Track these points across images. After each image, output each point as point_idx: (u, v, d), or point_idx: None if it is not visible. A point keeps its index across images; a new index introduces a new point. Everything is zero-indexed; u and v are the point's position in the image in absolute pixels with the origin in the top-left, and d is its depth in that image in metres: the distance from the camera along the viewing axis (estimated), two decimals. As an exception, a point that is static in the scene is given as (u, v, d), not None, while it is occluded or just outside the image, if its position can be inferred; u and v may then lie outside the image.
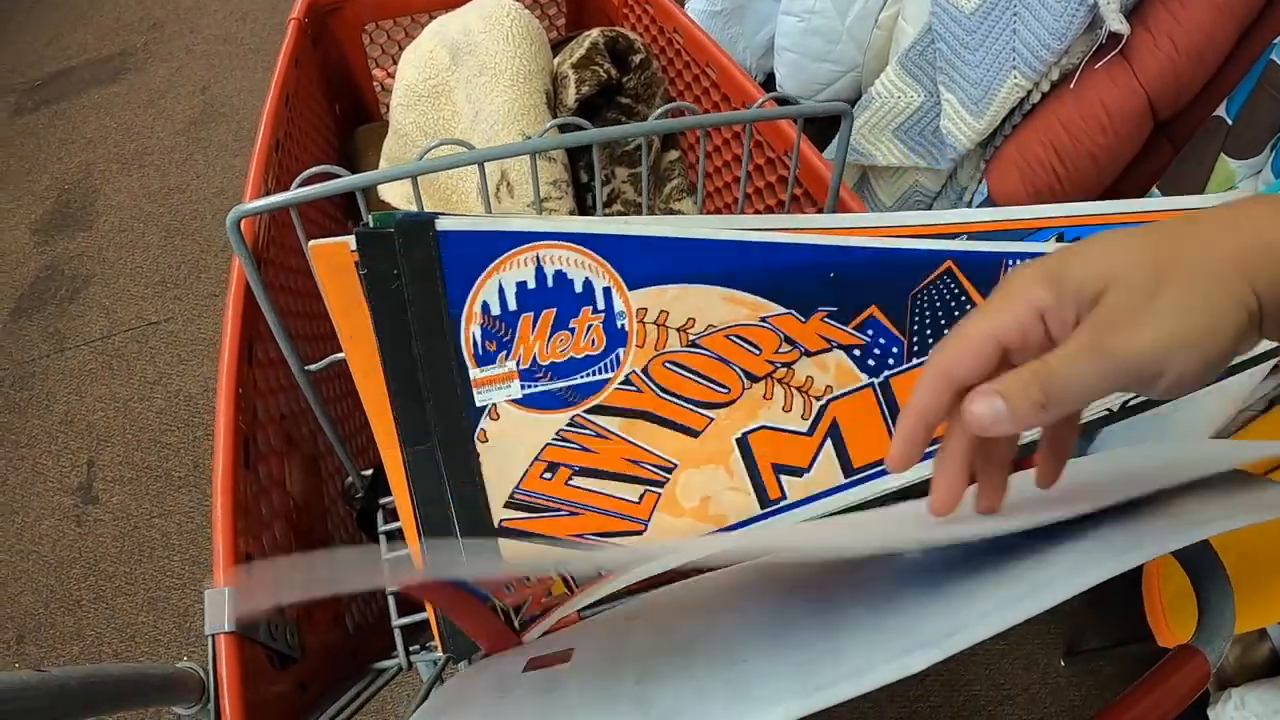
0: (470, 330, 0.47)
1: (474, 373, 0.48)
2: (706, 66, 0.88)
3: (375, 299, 0.47)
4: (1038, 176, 1.03)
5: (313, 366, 0.61)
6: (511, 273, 0.47)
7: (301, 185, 0.53)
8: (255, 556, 0.57)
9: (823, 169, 0.70)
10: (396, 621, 0.65)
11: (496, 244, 0.46)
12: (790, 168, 0.66)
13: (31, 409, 1.70)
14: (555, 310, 0.48)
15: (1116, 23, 0.92)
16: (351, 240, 0.47)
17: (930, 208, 1.23)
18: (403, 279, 0.46)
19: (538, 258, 0.47)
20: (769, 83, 1.41)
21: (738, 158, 0.85)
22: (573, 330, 0.49)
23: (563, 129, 0.56)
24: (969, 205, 1.14)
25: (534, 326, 0.48)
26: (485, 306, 0.47)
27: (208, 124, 2.29)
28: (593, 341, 0.49)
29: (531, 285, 0.47)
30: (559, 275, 0.47)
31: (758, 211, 0.84)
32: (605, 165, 0.89)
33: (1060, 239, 0.55)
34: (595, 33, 0.88)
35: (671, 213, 0.93)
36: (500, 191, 0.80)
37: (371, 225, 0.47)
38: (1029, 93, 1.01)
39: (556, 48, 0.95)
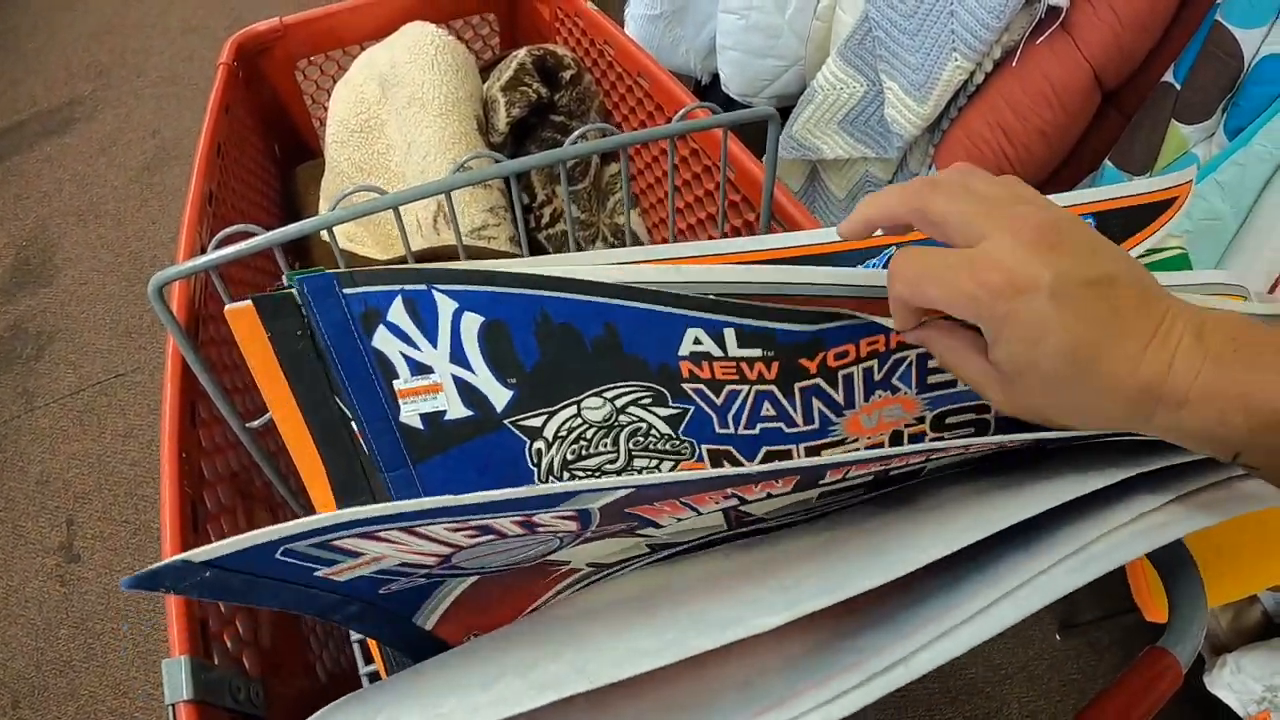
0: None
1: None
2: (638, 77, 0.87)
3: (284, 357, 0.47)
4: (987, 158, 1.02)
5: (254, 423, 0.59)
6: None
7: (219, 245, 0.51)
8: (211, 619, 0.56)
9: (759, 174, 0.69)
10: (364, 670, 0.64)
11: None
12: (722, 175, 0.65)
13: (7, 471, 1.68)
14: None
15: (1054, -5, 0.91)
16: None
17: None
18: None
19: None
20: (715, 83, 1.40)
21: (678, 166, 0.84)
22: None
23: (496, 160, 0.55)
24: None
25: None
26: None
27: (160, 168, 2.26)
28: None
29: None
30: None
31: (699, 220, 0.83)
32: (545, 185, 0.88)
33: None
34: (522, 53, 0.87)
35: (616, 227, 0.92)
36: (439, 223, 0.78)
37: (286, 283, 0.46)
38: (972, 74, 1.00)
39: (488, 70, 0.94)
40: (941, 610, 0.33)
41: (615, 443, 0.49)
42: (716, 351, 0.44)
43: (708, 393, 0.45)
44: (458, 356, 0.45)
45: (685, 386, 0.45)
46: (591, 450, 0.49)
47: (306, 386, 0.47)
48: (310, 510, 0.66)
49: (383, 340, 0.45)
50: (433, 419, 0.47)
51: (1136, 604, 1.04)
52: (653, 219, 0.96)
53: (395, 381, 0.46)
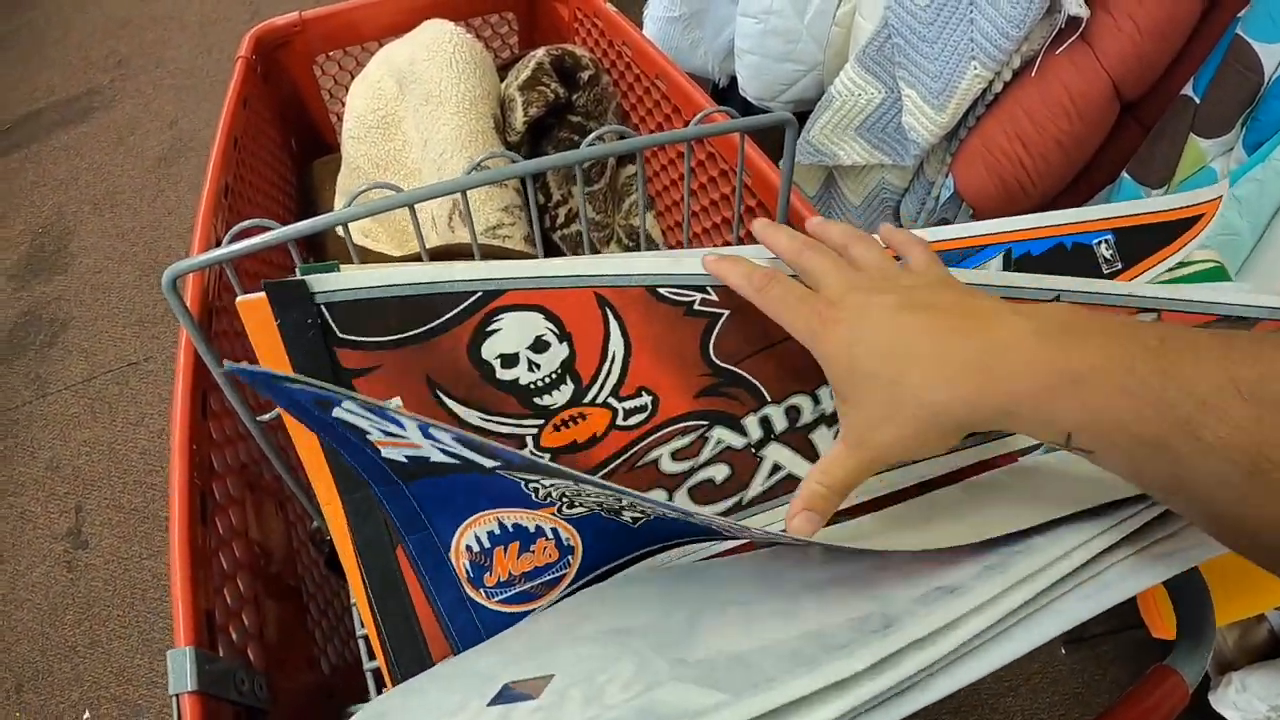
0: (461, 563, 0.50)
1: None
2: (656, 79, 0.87)
3: (292, 345, 0.46)
4: (1004, 168, 1.01)
5: (264, 416, 0.60)
6: (482, 527, 0.49)
7: (234, 239, 0.52)
8: (217, 611, 0.56)
9: (775, 179, 0.69)
10: (368, 665, 0.64)
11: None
12: (739, 180, 0.65)
13: (17, 456, 1.69)
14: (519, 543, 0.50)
15: (1075, 6, 0.91)
16: None
17: (899, 205, 1.21)
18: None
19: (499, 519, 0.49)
20: (733, 86, 1.40)
21: (695, 169, 0.84)
22: (533, 551, 0.51)
23: (513, 160, 0.54)
24: (937, 200, 1.13)
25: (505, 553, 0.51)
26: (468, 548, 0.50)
27: (177, 159, 2.28)
28: (547, 553, 0.51)
29: (497, 533, 0.49)
30: (518, 525, 0.50)
31: (714, 224, 0.83)
32: (561, 185, 0.88)
33: (1009, 255, 0.53)
34: (541, 52, 0.87)
35: (631, 228, 0.92)
36: (454, 220, 0.79)
37: (299, 276, 0.46)
38: (990, 83, 1.00)
39: (506, 68, 0.94)
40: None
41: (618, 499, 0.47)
42: None
43: None
44: (432, 439, 0.41)
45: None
46: (591, 499, 0.48)
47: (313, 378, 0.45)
48: (318, 506, 0.66)
49: (344, 414, 0.39)
50: (417, 459, 0.44)
51: (1143, 620, 1.04)
52: (668, 221, 0.96)
53: (368, 436, 0.42)
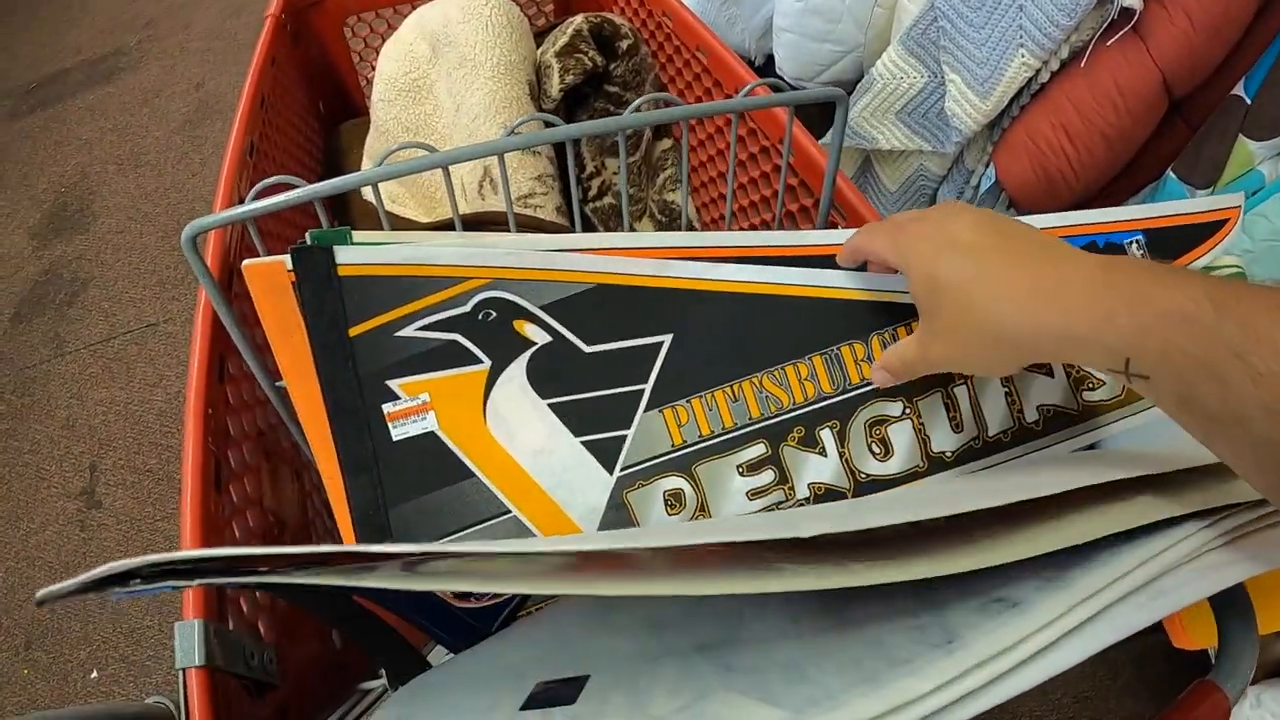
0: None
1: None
2: (697, 51, 0.84)
3: (310, 310, 0.46)
4: (1047, 159, 0.99)
5: (283, 381, 0.58)
6: None
7: (257, 197, 0.50)
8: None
9: (819, 158, 0.67)
10: (381, 643, 0.63)
11: None
12: (785, 158, 0.63)
13: (33, 414, 1.69)
14: None
15: (1129, -3, 0.88)
16: (288, 260, 0.44)
17: (936, 193, 1.19)
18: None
19: None
20: (769, 65, 1.37)
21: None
22: None
23: (546, 124, 0.53)
24: (976, 189, 1.10)
25: None
26: None
27: (202, 122, 2.27)
28: None
29: None
30: None
31: (751, 202, 0.81)
32: (595, 156, 0.86)
33: None
34: (579, 19, 0.85)
35: (664, 204, 0.90)
36: (484, 188, 0.77)
37: (309, 241, 0.45)
38: (1037, 72, 0.97)
39: (542, 35, 0.92)
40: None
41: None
42: None
43: None
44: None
45: None
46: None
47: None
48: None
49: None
50: None
51: (1162, 624, 1.02)
52: (701, 198, 0.94)
53: None
